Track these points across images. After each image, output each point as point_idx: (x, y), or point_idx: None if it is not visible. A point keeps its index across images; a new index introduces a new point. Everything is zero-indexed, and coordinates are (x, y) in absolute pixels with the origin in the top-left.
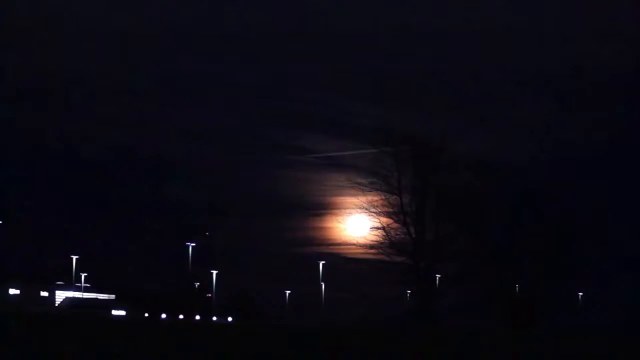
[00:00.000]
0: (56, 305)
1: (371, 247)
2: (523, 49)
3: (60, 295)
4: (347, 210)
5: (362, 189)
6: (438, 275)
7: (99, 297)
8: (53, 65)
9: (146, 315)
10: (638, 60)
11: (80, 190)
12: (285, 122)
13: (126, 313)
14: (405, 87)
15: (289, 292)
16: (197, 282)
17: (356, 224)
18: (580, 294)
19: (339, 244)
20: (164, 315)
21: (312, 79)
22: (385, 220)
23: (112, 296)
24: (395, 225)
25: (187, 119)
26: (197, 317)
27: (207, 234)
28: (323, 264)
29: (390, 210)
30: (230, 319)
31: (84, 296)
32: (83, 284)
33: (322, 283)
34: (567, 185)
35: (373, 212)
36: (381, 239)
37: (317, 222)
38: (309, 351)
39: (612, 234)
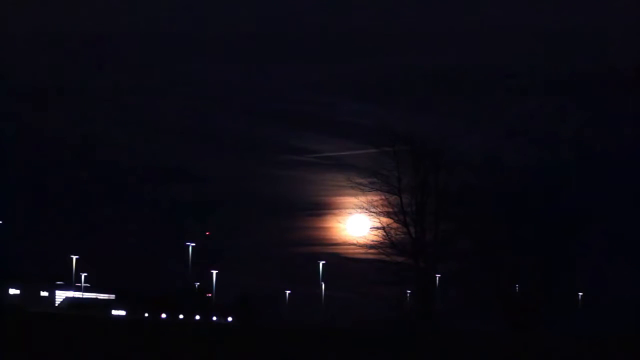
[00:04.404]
0: (56, 305)
1: (371, 247)
2: (522, 49)
3: (60, 295)
4: (347, 210)
5: (362, 189)
6: (438, 275)
7: (99, 297)
8: (57, 64)
9: (146, 315)
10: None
11: (80, 189)
12: (285, 122)
13: (126, 313)
14: (405, 87)
15: (289, 292)
16: (197, 282)
17: (356, 224)
18: (581, 294)
19: (339, 244)
20: (164, 315)
21: (312, 79)
22: (385, 220)
23: (112, 296)
24: (395, 225)
25: (186, 120)
26: (197, 317)
27: (207, 233)
28: (323, 264)
29: (390, 210)
30: (230, 319)
31: (84, 296)
32: (83, 284)
33: (322, 283)
34: (566, 185)
35: (373, 212)
36: (381, 239)
37: (317, 222)
38: (308, 351)
39: (613, 234)
